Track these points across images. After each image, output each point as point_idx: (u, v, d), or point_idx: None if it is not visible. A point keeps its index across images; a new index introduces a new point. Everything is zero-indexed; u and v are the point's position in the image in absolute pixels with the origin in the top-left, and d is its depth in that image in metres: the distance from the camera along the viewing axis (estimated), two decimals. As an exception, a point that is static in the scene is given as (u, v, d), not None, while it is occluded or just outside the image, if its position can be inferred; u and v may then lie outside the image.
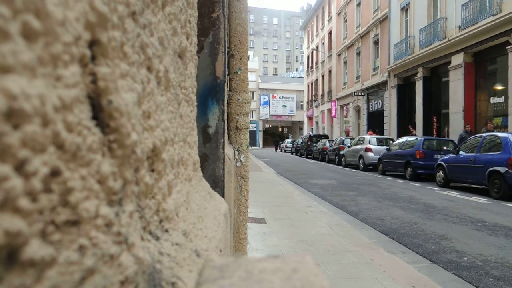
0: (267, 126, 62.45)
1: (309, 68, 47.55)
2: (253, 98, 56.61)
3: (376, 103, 26.63)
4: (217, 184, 1.41)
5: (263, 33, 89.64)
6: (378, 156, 16.06)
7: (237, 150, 2.48)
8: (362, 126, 28.57)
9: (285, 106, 60.68)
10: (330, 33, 38.16)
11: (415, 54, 20.13)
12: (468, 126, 14.66)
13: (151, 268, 0.40)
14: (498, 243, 5.20)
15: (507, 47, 13.69)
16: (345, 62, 33.28)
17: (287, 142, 43.30)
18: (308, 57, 48.69)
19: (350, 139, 21.65)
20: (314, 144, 28.08)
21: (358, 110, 30.35)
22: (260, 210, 6.81)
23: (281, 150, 44.69)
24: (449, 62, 17.24)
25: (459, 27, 16.44)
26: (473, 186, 10.95)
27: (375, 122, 26.31)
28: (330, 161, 22.66)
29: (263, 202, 7.63)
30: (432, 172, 12.45)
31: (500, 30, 14.03)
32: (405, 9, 22.15)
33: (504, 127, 14.14)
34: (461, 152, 10.90)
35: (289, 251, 4.48)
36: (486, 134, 10.47)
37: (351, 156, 18.75)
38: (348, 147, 19.55)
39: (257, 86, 58.60)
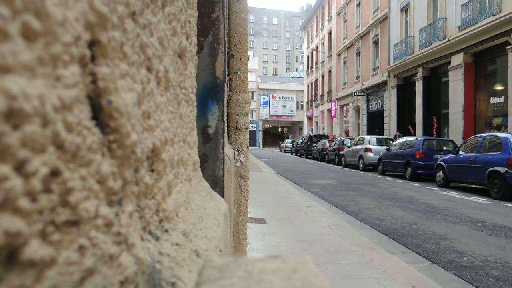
0: (267, 126, 62.46)
1: (309, 68, 47.55)
2: (253, 98, 56.59)
3: (376, 103, 26.63)
4: (217, 184, 1.41)
5: (263, 33, 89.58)
6: (378, 156, 16.07)
7: (237, 150, 2.48)
8: (362, 126, 28.57)
9: (285, 106, 60.69)
10: (330, 33, 38.16)
11: (415, 54, 20.14)
12: (397, 132, 19.98)
13: (151, 268, 0.40)
14: (498, 243, 5.20)
15: (507, 47, 13.69)
16: (345, 62, 33.28)
17: (287, 142, 43.31)
18: (308, 57, 48.69)
19: (350, 139, 21.65)
20: (314, 144, 28.07)
21: (358, 110, 30.35)
22: (260, 210, 6.81)
23: (281, 150, 44.72)
24: (449, 62, 17.24)
25: (459, 27, 16.44)
26: (473, 186, 10.94)
27: (375, 122, 26.33)
28: (330, 161, 22.66)
29: (263, 202, 7.63)
30: (432, 172, 12.45)
31: (500, 30, 14.03)
32: (405, 9, 22.16)
33: (504, 127, 14.15)
34: (461, 152, 10.91)
35: (289, 251, 4.48)
36: (486, 134, 10.47)
37: (351, 156, 18.77)
38: (348, 147, 19.55)
39: (257, 86, 58.60)
